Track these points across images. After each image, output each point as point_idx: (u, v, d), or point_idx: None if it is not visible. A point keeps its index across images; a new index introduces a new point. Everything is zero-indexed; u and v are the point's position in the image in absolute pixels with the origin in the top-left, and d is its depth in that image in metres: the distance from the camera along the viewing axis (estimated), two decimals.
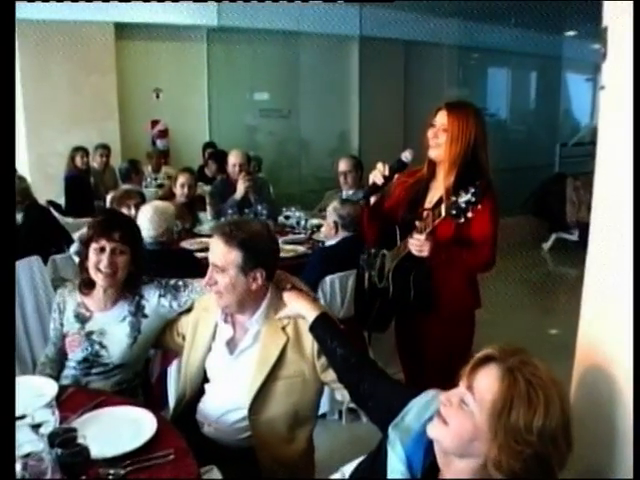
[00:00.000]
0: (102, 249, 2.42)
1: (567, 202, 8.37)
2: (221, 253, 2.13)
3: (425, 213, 2.56)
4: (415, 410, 1.58)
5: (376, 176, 2.68)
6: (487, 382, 1.33)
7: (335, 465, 1.86)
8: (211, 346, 2.33)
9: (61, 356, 2.59)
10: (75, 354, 2.53)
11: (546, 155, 10.03)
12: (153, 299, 2.54)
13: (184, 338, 2.48)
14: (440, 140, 2.62)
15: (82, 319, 2.54)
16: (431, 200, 2.72)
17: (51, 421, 1.83)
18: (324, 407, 3.50)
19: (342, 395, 2.20)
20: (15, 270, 2.38)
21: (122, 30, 7.60)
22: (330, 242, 3.93)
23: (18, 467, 1.59)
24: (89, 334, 2.52)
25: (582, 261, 1.83)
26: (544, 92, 10.60)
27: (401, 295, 2.74)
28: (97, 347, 2.51)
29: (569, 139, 10.21)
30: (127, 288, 2.54)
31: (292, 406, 2.19)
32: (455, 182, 2.56)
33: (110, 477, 1.74)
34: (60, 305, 2.59)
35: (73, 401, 2.19)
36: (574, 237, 8.20)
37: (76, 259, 4.31)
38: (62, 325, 2.58)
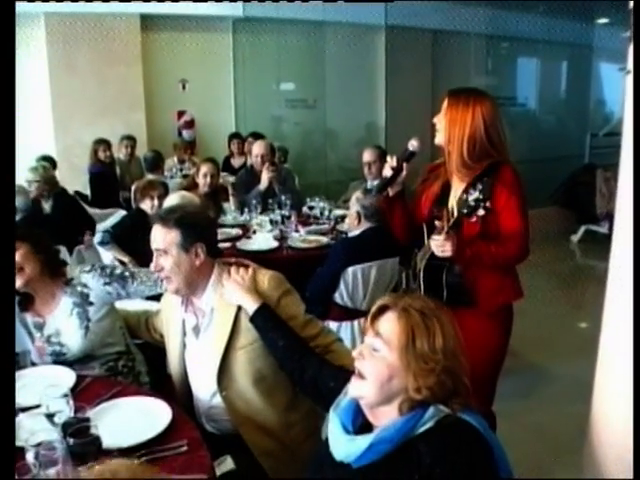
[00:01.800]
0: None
1: (597, 193, 8.23)
2: (160, 236, 2.21)
3: (442, 213, 2.50)
4: None
5: (386, 169, 2.63)
6: (388, 325, 1.50)
7: None
8: (185, 342, 2.36)
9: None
10: (46, 360, 2.54)
11: (576, 145, 9.86)
12: (97, 286, 2.54)
13: (161, 336, 2.52)
14: (441, 125, 2.57)
15: (39, 327, 2.55)
16: (455, 195, 2.63)
17: (65, 411, 1.83)
18: None
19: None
20: (15, 268, 2.37)
21: (148, 21, 7.62)
22: (353, 233, 3.90)
23: (30, 455, 1.59)
24: (48, 338, 2.53)
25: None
26: (574, 81, 10.41)
27: (434, 295, 2.62)
28: (57, 347, 2.53)
29: (600, 129, 10.01)
30: (55, 279, 2.53)
31: (258, 372, 2.22)
32: (466, 167, 2.52)
33: None
34: (22, 321, 2.57)
35: (90, 391, 2.20)
36: (604, 229, 8.05)
37: (101, 250, 4.34)
38: (31, 335, 2.57)
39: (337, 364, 2.07)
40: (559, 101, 10.69)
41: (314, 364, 2.04)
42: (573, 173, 8.77)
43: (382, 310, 1.54)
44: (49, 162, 6.02)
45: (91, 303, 2.54)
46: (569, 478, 2.88)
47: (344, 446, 1.51)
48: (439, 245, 2.40)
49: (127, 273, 2.61)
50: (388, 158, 2.62)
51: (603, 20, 9.56)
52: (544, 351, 4.80)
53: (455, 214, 2.38)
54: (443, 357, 1.45)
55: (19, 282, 2.42)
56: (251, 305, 2.15)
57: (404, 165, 2.59)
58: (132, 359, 2.67)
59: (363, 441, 1.46)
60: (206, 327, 2.27)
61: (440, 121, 2.58)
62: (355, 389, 1.53)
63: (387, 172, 2.62)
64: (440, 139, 2.59)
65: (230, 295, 2.20)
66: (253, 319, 2.15)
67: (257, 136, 7.02)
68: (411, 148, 2.57)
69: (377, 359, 1.49)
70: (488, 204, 2.31)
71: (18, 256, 2.40)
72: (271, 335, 2.12)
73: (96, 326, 2.54)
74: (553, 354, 4.73)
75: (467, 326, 2.63)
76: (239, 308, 2.20)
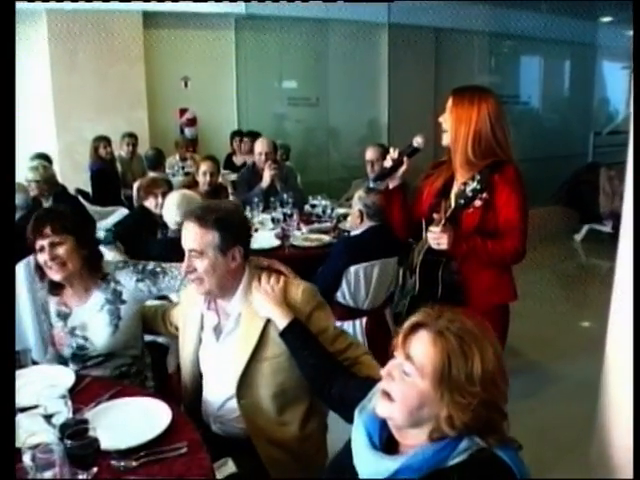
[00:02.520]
0: (41, 248, 2.39)
1: (600, 192, 8.19)
2: (197, 236, 2.10)
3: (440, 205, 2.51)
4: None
5: (386, 160, 2.64)
6: (422, 348, 1.38)
7: None
8: (201, 337, 2.30)
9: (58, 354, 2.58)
10: (64, 352, 2.52)
11: (579, 144, 9.84)
12: (130, 284, 2.52)
13: (177, 329, 2.46)
14: (447, 124, 2.56)
15: (64, 316, 2.52)
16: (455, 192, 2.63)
17: (64, 412, 1.81)
18: None
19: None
20: (15, 265, 2.36)
21: (150, 19, 7.58)
22: (355, 232, 3.88)
23: (27, 458, 1.57)
24: (72, 330, 2.51)
25: (615, 253, 1.76)
26: (578, 80, 10.38)
27: (429, 290, 2.66)
28: (81, 341, 2.50)
29: (603, 128, 9.99)
30: (93, 274, 2.51)
31: (279, 386, 2.16)
32: (470, 165, 2.51)
33: (122, 469, 1.72)
34: (44, 307, 2.56)
35: (89, 391, 2.18)
36: (607, 228, 8.03)
37: (103, 249, 4.32)
38: (51, 325, 2.55)
39: (364, 374, 2.03)
40: (562, 100, 10.65)
41: (343, 379, 1.93)
42: (576, 172, 8.75)
43: (415, 328, 1.43)
44: (45, 160, 6.00)
45: (124, 301, 2.51)
46: (569, 478, 2.87)
47: (370, 464, 1.44)
48: (436, 237, 2.40)
49: (158, 269, 2.56)
50: (391, 150, 2.62)
51: (607, 18, 9.54)
52: (547, 351, 4.78)
53: (452, 204, 2.39)
54: (481, 389, 1.34)
55: (59, 275, 2.41)
56: (281, 320, 2.05)
57: (405, 159, 2.59)
58: (143, 364, 2.64)
59: (390, 464, 1.39)
60: (230, 332, 2.20)
61: (446, 120, 2.57)
62: (383, 410, 1.44)
63: (387, 163, 2.63)
64: (447, 140, 2.58)
65: (259, 306, 2.11)
66: (283, 334, 2.05)
67: (254, 135, 7.00)
68: (415, 144, 2.56)
69: (407, 384, 1.39)
70: (485, 195, 2.33)
71: (62, 251, 2.38)
72: (301, 352, 2.03)
73: (125, 325, 2.51)
74: (556, 354, 4.71)
75: None
76: (268, 319, 2.12)
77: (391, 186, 2.69)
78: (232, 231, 2.12)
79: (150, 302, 2.75)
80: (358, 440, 1.50)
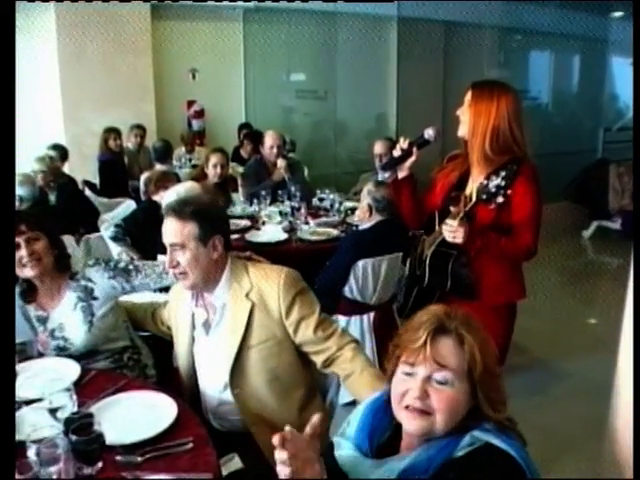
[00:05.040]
0: (18, 245, 2.37)
1: (610, 189, 8.13)
2: (176, 230, 2.11)
3: (459, 198, 2.46)
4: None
5: (396, 149, 2.61)
6: (449, 353, 1.39)
7: None
8: (194, 336, 2.30)
9: None
10: (48, 355, 2.51)
11: (589, 140, 9.78)
12: (102, 281, 2.51)
13: (169, 328, 2.48)
14: (466, 117, 2.53)
15: (42, 320, 2.52)
16: (473, 185, 2.57)
17: (68, 405, 1.80)
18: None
19: (321, 365, 2.21)
20: (15, 263, 2.35)
21: (158, 10, 7.55)
22: (364, 226, 3.85)
23: (31, 452, 1.56)
24: (52, 332, 2.50)
25: (624, 250, 1.74)
26: (588, 75, 10.31)
27: (438, 283, 2.65)
28: (61, 342, 2.49)
29: (613, 124, 9.92)
30: (63, 273, 2.51)
31: (272, 372, 2.17)
32: (487, 160, 2.49)
33: (126, 464, 1.71)
34: (25, 314, 2.55)
35: (95, 384, 2.18)
36: (616, 225, 7.95)
37: (109, 242, 4.31)
38: (34, 329, 2.54)
39: (349, 368, 2.06)
40: (572, 95, 10.60)
41: None
42: (586, 168, 8.69)
43: (434, 337, 1.40)
44: (60, 151, 6.00)
45: (95, 298, 2.50)
46: (571, 478, 2.85)
47: (372, 471, 1.43)
48: (452, 230, 2.38)
49: (131, 266, 2.56)
50: (400, 139, 2.60)
51: (619, 13, 9.45)
52: (553, 348, 4.76)
53: (474, 199, 2.34)
54: (500, 364, 1.42)
55: (34, 272, 2.40)
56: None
57: (414, 150, 2.57)
58: (138, 352, 2.63)
59: (395, 465, 1.39)
60: (217, 323, 2.22)
61: (464, 113, 2.54)
62: (420, 427, 1.39)
63: (396, 152, 2.60)
64: (463, 131, 2.55)
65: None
66: None
67: (253, 137, 6.97)
68: (426, 136, 2.55)
69: (448, 392, 1.38)
70: (509, 192, 2.29)
71: (39, 247, 2.38)
72: None
73: (100, 321, 2.51)
74: (562, 351, 4.69)
75: None
76: (253, 304, 2.14)
77: (400, 176, 2.67)
78: (210, 221, 2.15)
79: (139, 300, 2.76)
80: (349, 458, 1.49)
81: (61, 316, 2.50)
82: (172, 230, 2.12)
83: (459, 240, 2.38)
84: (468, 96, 2.54)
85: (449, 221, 2.39)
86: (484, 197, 2.31)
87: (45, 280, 2.48)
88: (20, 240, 2.36)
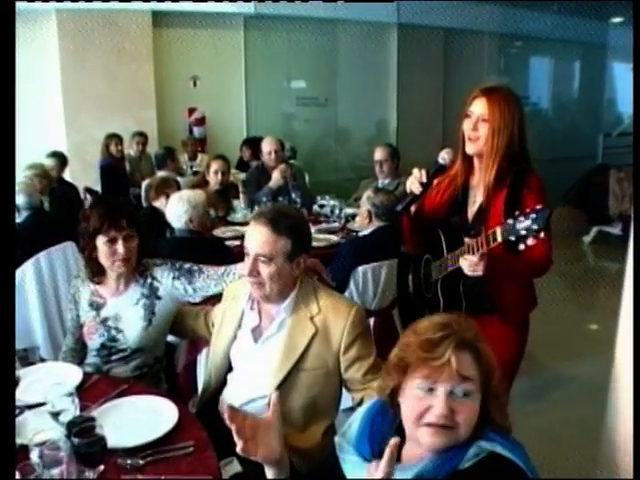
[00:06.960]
0: (113, 239, 2.40)
1: (610, 194, 8.15)
2: (268, 241, 2.05)
3: (477, 236, 2.27)
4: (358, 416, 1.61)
5: (413, 184, 2.42)
6: (469, 365, 1.38)
7: None
8: (237, 334, 2.27)
9: (81, 345, 2.60)
10: (93, 342, 2.52)
11: (589, 145, 9.80)
12: (167, 281, 2.53)
13: (214, 325, 2.44)
14: (480, 132, 2.33)
15: (96, 306, 2.53)
16: (474, 200, 2.47)
17: (71, 409, 1.81)
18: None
19: (353, 399, 2.17)
20: (15, 264, 2.37)
21: (159, 18, 7.60)
22: (364, 232, 3.87)
23: (34, 455, 1.58)
24: (104, 320, 2.51)
25: (625, 256, 1.74)
26: (588, 81, 10.35)
27: (452, 305, 2.49)
28: (113, 332, 2.50)
29: (613, 129, 9.94)
30: (137, 270, 2.54)
31: (312, 399, 2.13)
32: (496, 177, 2.33)
33: (128, 467, 1.72)
34: (75, 296, 2.59)
35: (97, 389, 2.18)
36: (616, 231, 7.97)
37: None
38: (78, 316, 2.58)
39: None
40: (572, 101, 10.63)
41: None
42: (586, 173, 8.71)
43: (455, 351, 1.38)
44: (58, 158, 6.02)
45: (159, 297, 2.52)
46: (576, 479, 2.86)
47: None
48: (472, 265, 2.21)
49: (195, 267, 2.57)
50: (416, 172, 2.42)
51: (618, 19, 9.49)
52: (554, 353, 4.75)
53: (498, 239, 2.11)
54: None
55: (120, 270, 2.45)
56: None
57: (434, 181, 2.44)
58: (160, 367, 2.64)
59: (399, 475, 1.36)
60: (271, 335, 2.17)
61: (476, 128, 2.35)
62: (443, 442, 1.37)
63: (416, 189, 2.42)
64: (478, 148, 2.37)
65: None
66: None
67: (251, 143, 6.99)
68: (441, 161, 2.42)
69: (469, 404, 1.38)
70: (542, 235, 2.02)
71: (133, 246, 2.44)
72: None
73: (158, 322, 2.52)
74: (564, 356, 4.69)
75: (488, 334, 2.44)
76: (317, 330, 2.10)
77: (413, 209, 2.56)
78: (302, 239, 2.11)
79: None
80: (351, 462, 1.51)
81: (120, 308, 2.51)
82: (262, 241, 2.06)
83: (479, 273, 2.21)
84: (480, 108, 2.34)
85: (469, 257, 2.22)
86: (512, 239, 2.07)
87: (122, 275, 2.51)
88: (118, 236, 2.40)
